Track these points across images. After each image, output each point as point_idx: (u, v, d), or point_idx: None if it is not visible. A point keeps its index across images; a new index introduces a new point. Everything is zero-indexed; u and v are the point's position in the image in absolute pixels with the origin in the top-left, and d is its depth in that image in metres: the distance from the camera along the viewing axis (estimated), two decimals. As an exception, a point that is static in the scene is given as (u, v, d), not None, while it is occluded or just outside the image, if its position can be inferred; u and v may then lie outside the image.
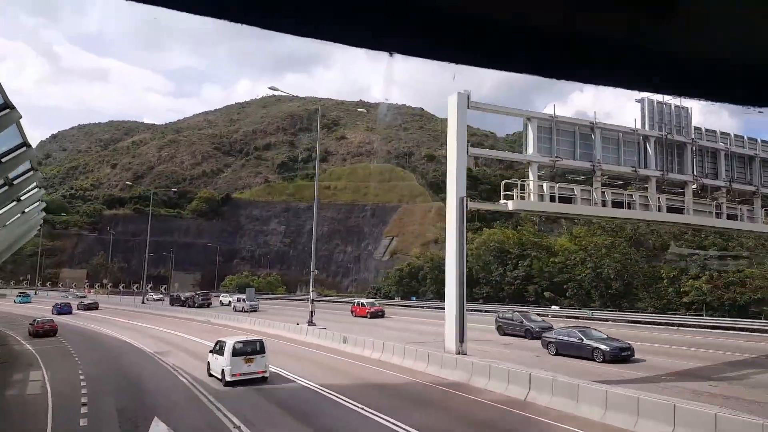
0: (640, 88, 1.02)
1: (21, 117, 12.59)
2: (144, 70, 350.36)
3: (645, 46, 0.89)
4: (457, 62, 0.93)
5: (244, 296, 55.81)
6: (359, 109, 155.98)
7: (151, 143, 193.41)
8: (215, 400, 15.94)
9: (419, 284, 72.85)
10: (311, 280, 34.10)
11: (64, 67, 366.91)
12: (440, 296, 61.56)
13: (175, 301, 67.16)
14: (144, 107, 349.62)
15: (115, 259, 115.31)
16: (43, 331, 35.20)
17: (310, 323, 31.73)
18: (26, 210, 22.15)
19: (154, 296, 78.18)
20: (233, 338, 19.91)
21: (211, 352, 20.17)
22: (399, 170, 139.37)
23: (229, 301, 60.29)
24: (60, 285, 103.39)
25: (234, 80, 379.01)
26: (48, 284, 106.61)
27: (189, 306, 61.07)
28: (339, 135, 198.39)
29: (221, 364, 18.61)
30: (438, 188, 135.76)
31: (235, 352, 18.38)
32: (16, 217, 22.75)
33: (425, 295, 69.83)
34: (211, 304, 63.33)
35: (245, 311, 50.79)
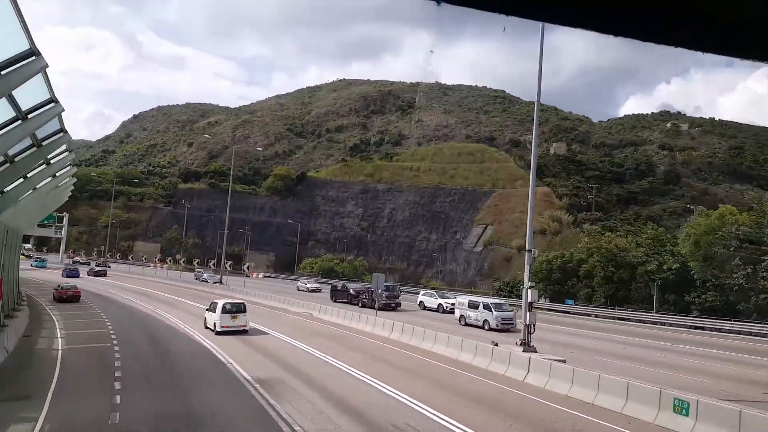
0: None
1: (47, 66, 10.89)
2: (217, 57, 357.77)
3: None
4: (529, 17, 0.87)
5: (358, 285, 46.99)
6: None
7: (225, 123, 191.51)
8: (210, 342, 23.45)
9: (579, 282, 54.53)
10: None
11: (145, 55, 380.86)
12: (615, 300, 48.08)
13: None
14: (216, 94, 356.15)
15: (189, 234, 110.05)
16: (66, 297, 36.01)
17: (526, 345, 20.07)
18: (57, 174, 21.16)
19: (204, 275, 74.15)
20: (222, 300, 27.49)
21: (207, 310, 27.26)
22: (492, 151, 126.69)
23: (310, 287, 52.40)
24: (130, 258, 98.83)
25: (302, 68, 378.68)
26: (118, 256, 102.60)
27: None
28: (415, 118, 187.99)
29: (214, 318, 25.55)
30: (539, 172, 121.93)
31: (224, 310, 25.34)
32: (46, 181, 21.49)
33: (590, 297, 52.18)
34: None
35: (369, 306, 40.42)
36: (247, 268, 70.26)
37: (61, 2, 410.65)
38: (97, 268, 70.10)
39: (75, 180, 31.11)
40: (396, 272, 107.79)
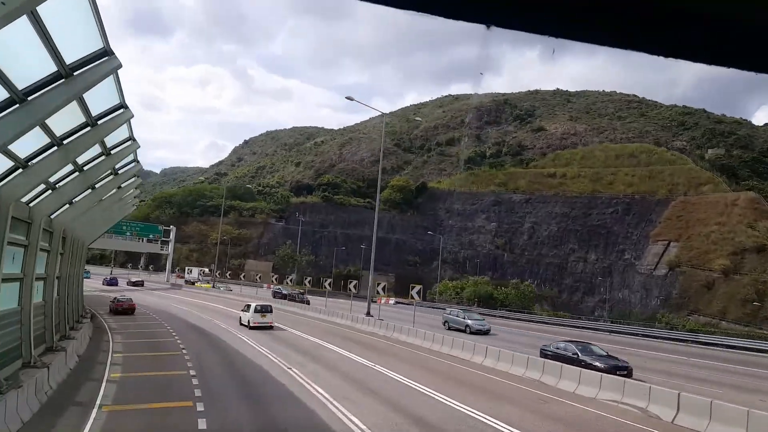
0: None
1: (121, 67, 10.03)
2: (319, 87, 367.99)
3: None
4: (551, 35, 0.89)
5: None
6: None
7: (331, 143, 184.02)
8: (243, 335, 26.91)
9: None
10: None
11: (255, 88, 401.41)
12: None
13: (276, 295, 63.91)
14: (320, 121, 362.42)
15: (303, 251, 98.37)
16: (122, 309, 36.36)
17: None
18: (122, 185, 20.49)
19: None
20: (255, 302, 34.44)
21: (242, 310, 33.36)
22: (662, 151, 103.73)
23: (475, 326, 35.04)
24: (242, 277, 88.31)
25: (400, 94, 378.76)
26: (228, 275, 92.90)
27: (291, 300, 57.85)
28: (536, 126, 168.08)
29: (248, 316, 31.15)
30: (732, 173, 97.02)
31: (256, 310, 31.13)
32: (111, 192, 20.87)
33: None
34: (309, 302, 55.93)
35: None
36: (381, 289, 55.68)
37: (181, 43, 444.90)
38: (134, 279, 73.72)
39: (139, 192, 29.13)
40: (544, 300, 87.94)
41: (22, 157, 10.73)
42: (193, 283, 79.75)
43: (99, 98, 11.07)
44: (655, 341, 43.28)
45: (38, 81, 8.79)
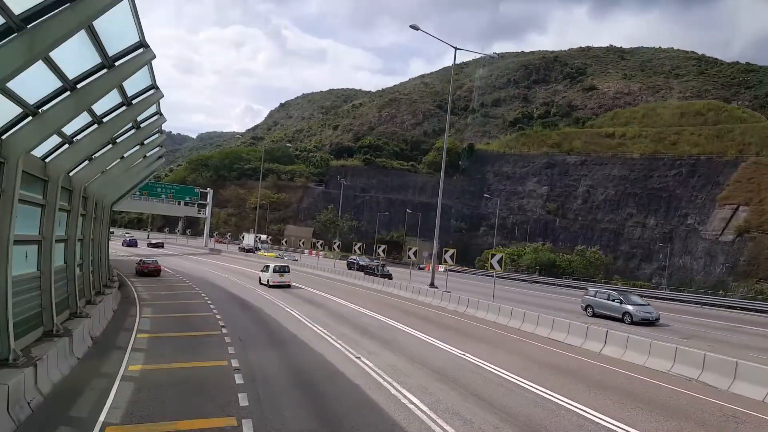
0: None
1: (154, 57, 11.12)
2: (356, 49, 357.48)
3: None
4: None
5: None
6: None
7: (370, 105, 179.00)
8: (264, 292, 29.58)
9: None
10: None
11: (289, 50, 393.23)
12: None
13: (352, 266, 54.31)
14: (356, 84, 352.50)
15: (345, 216, 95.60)
16: (148, 271, 36.67)
17: None
18: (145, 142, 19.38)
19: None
20: (273, 263, 38.23)
21: (261, 271, 35.46)
22: (732, 108, 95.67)
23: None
24: (284, 242, 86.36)
25: (441, 53, 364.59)
26: (269, 240, 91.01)
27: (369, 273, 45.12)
28: (587, 85, 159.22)
29: (267, 276, 33.49)
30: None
31: (274, 270, 33.36)
32: (138, 162, 22.00)
33: None
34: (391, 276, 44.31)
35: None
36: (429, 256, 51.97)
37: (216, 3, 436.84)
38: (154, 241, 76.94)
39: (163, 149, 27.19)
40: (599, 267, 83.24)
41: (31, 103, 9.51)
42: (249, 251, 74.50)
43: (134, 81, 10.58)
44: (733, 312, 38.69)
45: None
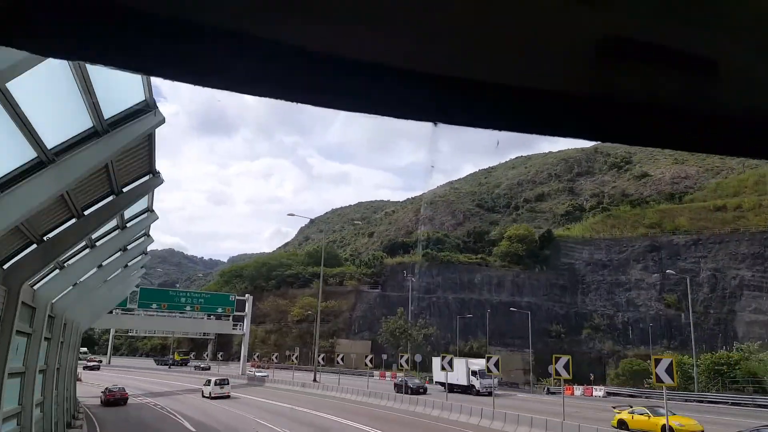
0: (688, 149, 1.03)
1: (162, 182, 11.59)
2: (376, 170, 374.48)
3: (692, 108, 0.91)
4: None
5: None
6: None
7: (404, 210, 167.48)
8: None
9: None
10: None
11: (314, 175, 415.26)
12: None
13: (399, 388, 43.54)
14: (383, 197, 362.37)
15: (420, 321, 77.21)
16: (114, 399, 34.96)
17: None
18: (129, 264, 19.71)
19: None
20: (213, 377, 43.34)
21: (204, 385, 41.66)
22: None
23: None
24: (339, 360, 68.11)
25: (457, 168, 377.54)
26: (322, 359, 72.79)
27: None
28: (637, 173, 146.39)
29: (209, 389, 40.19)
30: None
31: (215, 384, 40.12)
32: (117, 272, 20.07)
33: None
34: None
35: None
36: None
37: (245, 139, 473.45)
38: (90, 364, 67.40)
39: (144, 271, 27.97)
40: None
41: (40, 232, 9.80)
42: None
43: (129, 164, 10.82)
44: None
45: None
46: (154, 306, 51.03)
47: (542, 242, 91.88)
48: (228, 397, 39.01)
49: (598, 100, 0.88)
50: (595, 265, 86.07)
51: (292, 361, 67.00)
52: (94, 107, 7.13)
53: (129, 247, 16.54)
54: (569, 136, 0.94)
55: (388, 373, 58.41)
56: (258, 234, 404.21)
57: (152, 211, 14.07)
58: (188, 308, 53.79)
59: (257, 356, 75.91)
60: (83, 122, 7.40)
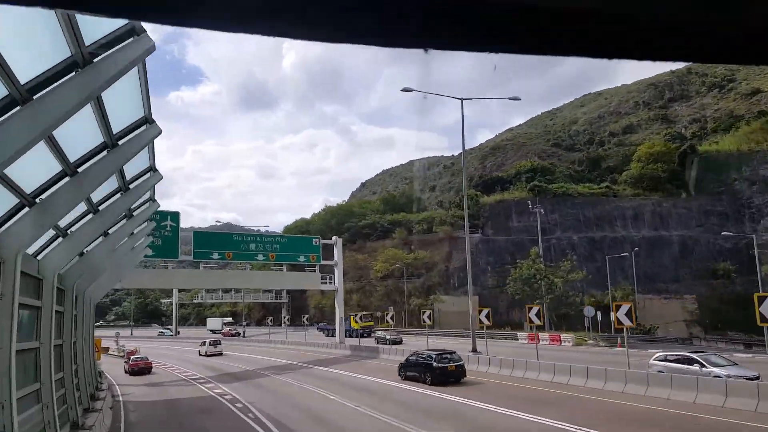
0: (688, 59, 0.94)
1: (160, 132, 10.44)
2: (420, 131, 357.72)
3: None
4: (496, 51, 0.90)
5: None
6: None
7: (469, 158, 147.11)
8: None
9: None
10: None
11: (358, 142, 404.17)
12: None
13: None
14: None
15: (566, 262, 59.31)
16: (138, 369, 35.24)
17: None
18: (135, 231, 19.13)
19: None
20: (208, 338, 50.39)
21: (200, 345, 47.93)
22: None
23: None
24: (424, 320, 53.33)
25: (505, 122, 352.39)
26: (428, 317, 58.27)
27: None
28: (745, 90, 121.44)
29: (204, 348, 45.97)
30: None
31: (209, 344, 46.05)
32: (123, 241, 19.03)
33: None
34: None
35: None
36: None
37: (287, 112, 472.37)
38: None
39: (151, 240, 26.81)
40: None
41: (29, 192, 8.64)
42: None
43: (121, 109, 9.24)
44: None
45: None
46: (216, 256, 37.36)
47: (681, 161, 72.08)
48: (221, 354, 44.69)
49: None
50: (765, 183, 65.89)
51: (388, 323, 53.13)
52: (72, 32, 6.12)
53: (135, 213, 15.81)
54: (570, 54, 0.88)
55: (542, 335, 42.88)
56: (307, 206, 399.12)
57: (155, 170, 13.09)
58: (260, 257, 39.79)
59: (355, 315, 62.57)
60: (60, 52, 6.32)
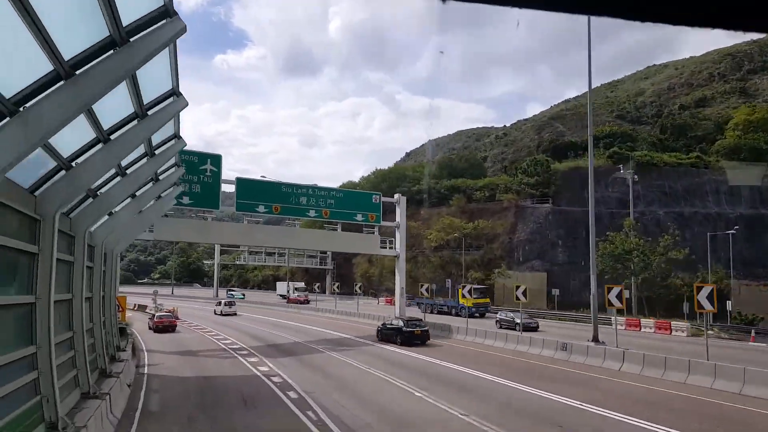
0: None
1: (186, 105, 10.76)
2: (467, 103, 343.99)
3: None
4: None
5: None
6: None
7: (520, 130, 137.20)
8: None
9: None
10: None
11: (402, 112, 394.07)
12: None
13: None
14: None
15: (666, 237, 52.07)
16: (162, 326, 35.27)
17: None
18: (162, 195, 19.19)
19: None
20: (224, 299, 57.80)
21: (216, 305, 54.38)
22: None
23: None
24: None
25: (557, 96, 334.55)
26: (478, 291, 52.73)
27: None
28: None
29: (220, 308, 51.44)
30: None
31: (225, 304, 52.00)
32: (150, 204, 19.14)
33: None
34: None
35: None
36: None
37: (331, 79, 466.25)
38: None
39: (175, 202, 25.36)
40: None
41: (65, 156, 9.41)
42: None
43: (152, 82, 9.68)
44: None
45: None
46: (262, 208, 32.35)
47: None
48: (236, 314, 49.81)
49: None
50: None
51: (422, 294, 47.94)
52: (111, 12, 6.50)
53: (161, 177, 16.33)
54: (605, 14, 0.81)
55: (648, 321, 36.59)
56: (350, 174, 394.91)
57: (179, 137, 13.63)
58: (312, 213, 34.64)
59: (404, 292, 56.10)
60: (99, 31, 6.79)
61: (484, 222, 67.41)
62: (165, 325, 35.33)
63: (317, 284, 74.95)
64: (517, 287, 31.33)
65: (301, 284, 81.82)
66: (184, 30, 7.41)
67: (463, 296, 39.51)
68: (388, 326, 31.27)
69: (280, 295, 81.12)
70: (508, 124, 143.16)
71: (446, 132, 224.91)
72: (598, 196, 64.13)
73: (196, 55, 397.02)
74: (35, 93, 6.65)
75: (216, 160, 30.94)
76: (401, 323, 30.13)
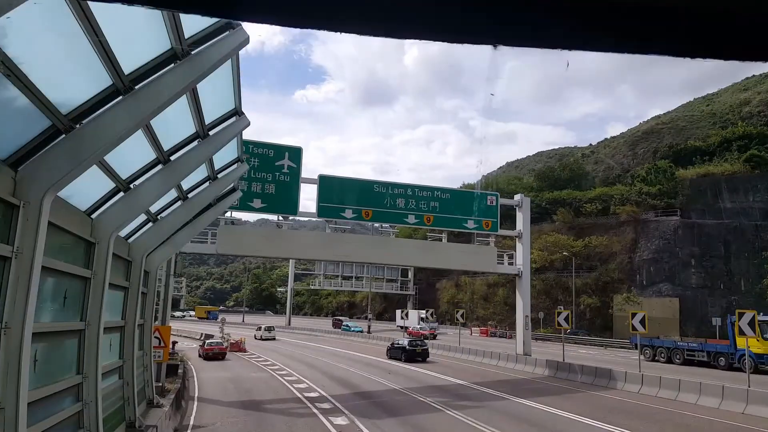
0: None
1: (249, 125, 10.55)
2: (544, 126, 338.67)
3: None
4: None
5: None
6: None
7: (609, 147, 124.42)
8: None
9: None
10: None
11: (477, 138, 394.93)
12: None
13: None
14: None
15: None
16: (212, 354, 35.45)
17: None
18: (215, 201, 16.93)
19: None
20: (264, 323, 59.81)
21: (256, 330, 55.38)
22: None
23: None
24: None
25: (639, 115, 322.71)
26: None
27: None
28: None
29: (260, 333, 53.48)
30: None
31: (264, 329, 53.96)
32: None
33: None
34: None
35: None
36: None
37: (406, 107, 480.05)
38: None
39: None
40: None
41: (124, 177, 9.27)
42: None
43: (213, 102, 9.45)
44: None
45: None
46: (349, 213, 26.29)
47: None
48: (274, 339, 52.51)
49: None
50: None
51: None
52: (174, 25, 6.43)
53: (218, 202, 15.50)
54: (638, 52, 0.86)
55: None
56: None
57: (243, 161, 13.55)
58: (411, 218, 28.26)
59: (460, 318, 46.80)
60: (161, 45, 6.70)
61: (596, 239, 58.93)
62: (215, 353, 35.68)
63: (405, 311, 67.74)
64: (633, 315, 24.87)
65: (425, 313, 66.19)
66: (247, 41, 7.21)
67: (741, 333, 20.52)
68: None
69: (400, 327, 68.98)
70: (594, 143, 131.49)
71: (525, 154, 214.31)
72: (736, 206, 54.43)
73: (277, 92, 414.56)
74: (93, 109, 6.40)
75: (296, 153, 25.98)
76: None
